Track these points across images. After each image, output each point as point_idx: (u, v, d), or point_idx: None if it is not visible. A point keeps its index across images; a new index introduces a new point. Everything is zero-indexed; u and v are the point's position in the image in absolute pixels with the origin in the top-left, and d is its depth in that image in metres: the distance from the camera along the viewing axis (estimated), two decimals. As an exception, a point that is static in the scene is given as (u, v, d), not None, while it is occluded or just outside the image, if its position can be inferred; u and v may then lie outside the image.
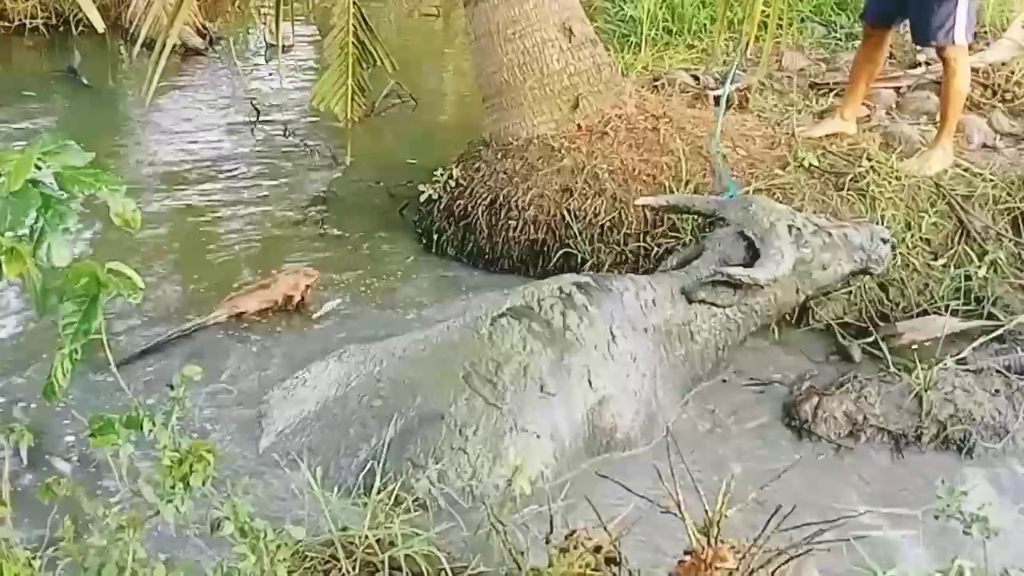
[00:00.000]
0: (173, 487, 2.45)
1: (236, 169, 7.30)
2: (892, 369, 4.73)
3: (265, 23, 10.40)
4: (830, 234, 4.77)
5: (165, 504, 2.44)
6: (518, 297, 4.39)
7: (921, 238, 5.50)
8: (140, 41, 6.31)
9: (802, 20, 7.78)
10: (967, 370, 4.67)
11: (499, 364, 4.04)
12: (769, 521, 2.83)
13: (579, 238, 5.67)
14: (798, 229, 4.67)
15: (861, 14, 6.38)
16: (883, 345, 4.92)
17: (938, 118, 5.97)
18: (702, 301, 4.57)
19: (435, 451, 3.76)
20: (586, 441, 4.11)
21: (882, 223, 5.42)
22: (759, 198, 4.96)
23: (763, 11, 5.98)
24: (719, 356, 4.70)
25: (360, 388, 4.06)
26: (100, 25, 4.27)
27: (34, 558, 2.41)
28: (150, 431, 2.43)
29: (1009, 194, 5.74)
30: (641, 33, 7.72)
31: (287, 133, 7.95)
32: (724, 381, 4.83)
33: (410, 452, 3.74)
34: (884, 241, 4.88)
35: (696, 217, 5.36)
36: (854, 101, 6.20)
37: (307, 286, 5.35)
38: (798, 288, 4.75)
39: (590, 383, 4.15)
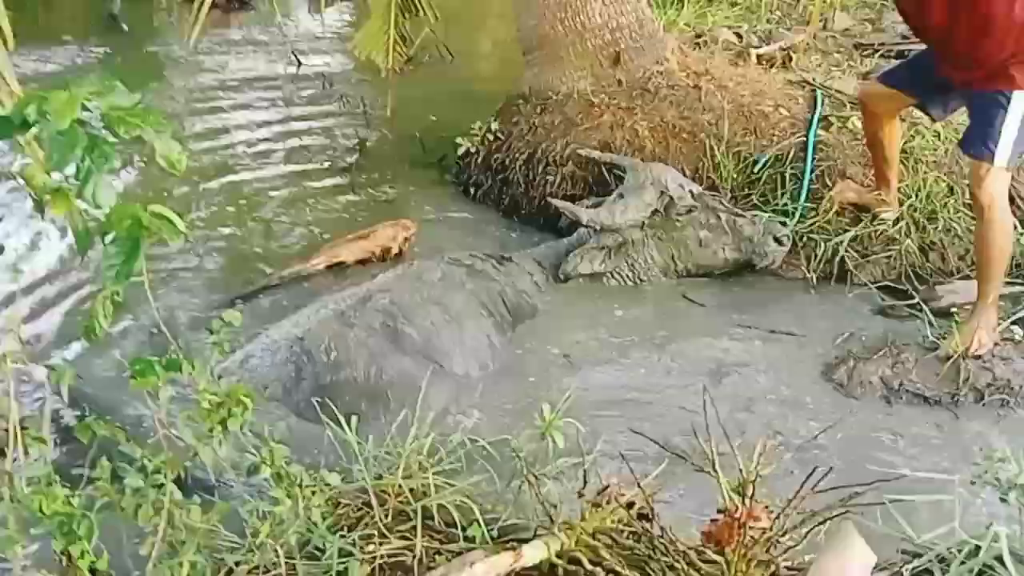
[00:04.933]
0: (211, 430, 2.46)
1: (275, 119, 7.31)
2: (929, 335, 4.68)
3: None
4: (718, 217, 5.18)
5: (203, 446, 2.46)
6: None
7: (964, 203, 5.41)
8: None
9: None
10: (1006, 338, 4.62)
11: None
12: (804, 482, 2.82)
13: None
14: (670, 197, 5.11)
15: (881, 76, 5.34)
16: (926, 308, 4.86)
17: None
18: (579, 275, 5.08)
19: None
20: None
21: (924, 186, 5.37)
22: (659, 165, 5.38)
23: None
24: None
25: None
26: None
27: (72, 496, 2.43)
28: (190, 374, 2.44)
29: (1055, 160, 5.64)
30: (685, -12, 7.63)
31: (327, 84, 7.93)
32: (773, 332, 4.84)
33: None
34: (777, 240, 5.16)
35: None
36: (887, 188, 5.29)
37: (405, 238, 5.39)
38: (673, 255, 5.22)
39: None
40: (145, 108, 2.08)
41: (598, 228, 5.08)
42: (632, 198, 5.15)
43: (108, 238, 2.22)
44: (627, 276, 5.19)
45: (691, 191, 5.24)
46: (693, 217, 5.18)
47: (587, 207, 5.22)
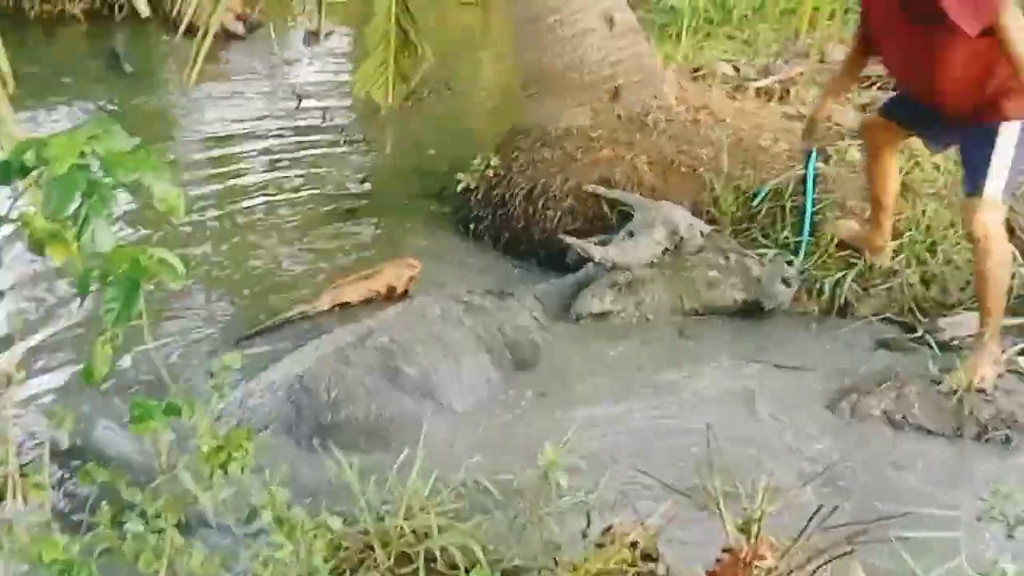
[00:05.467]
0: (211, 475, 2.44)
1: (276, 155, 7.32)
2: (932, 368, 4.66)
3: (304, 10, 10.41)
4: (727, 257, 5.20)
5: (203, 492, 2.44)
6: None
7: (965, 234, 5.41)
8: (183, 27, 6.33)
9: (845, 11, 7.67)
10: (1010, 371, 4.60)
11: None
12: (811, 520, 2.80)
13: (617, 230, 5.62)
14: (681, 237, 5.13)
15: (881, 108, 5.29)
16: (931, 340, 4.84)
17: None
18: (590, 314, 5.07)
19: None
20: None
21: (924, 218, 5.37)
22: (667, 204, 5.37)
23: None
24: None
25: None
26: (145, 11, 4.29)
27: (72, 543, 2.40)
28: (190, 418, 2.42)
29: (1056, 191, 5.65)
30: (682, 23, 7.65)
31: (326, 119, 7.95)
32: (776, 367, 4.82)
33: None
34: (785, 282, 5.15)
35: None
36: (880, 232, 5.22)
37: (410, 277, 5.39)
38: (681, 296, 5.19)
39: None
40: (143, 151, 2.08)
41: (609, 266, 5.07)
42: (643, 236, 5.16)
43: (107, 281, 2.21)
44: (634, 314, 5.17)
45: (700, 231, 5.25)
46: (703, 257, 5.18)
47: (595, 244, 5.22)
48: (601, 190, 5.74)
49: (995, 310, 4.50)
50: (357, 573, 2.83)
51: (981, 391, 4.42)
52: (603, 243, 5.25)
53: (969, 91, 4.35)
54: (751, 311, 5.24)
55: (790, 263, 5.29)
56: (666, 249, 5.14)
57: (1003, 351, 4.65)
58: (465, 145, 6.93)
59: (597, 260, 5.08)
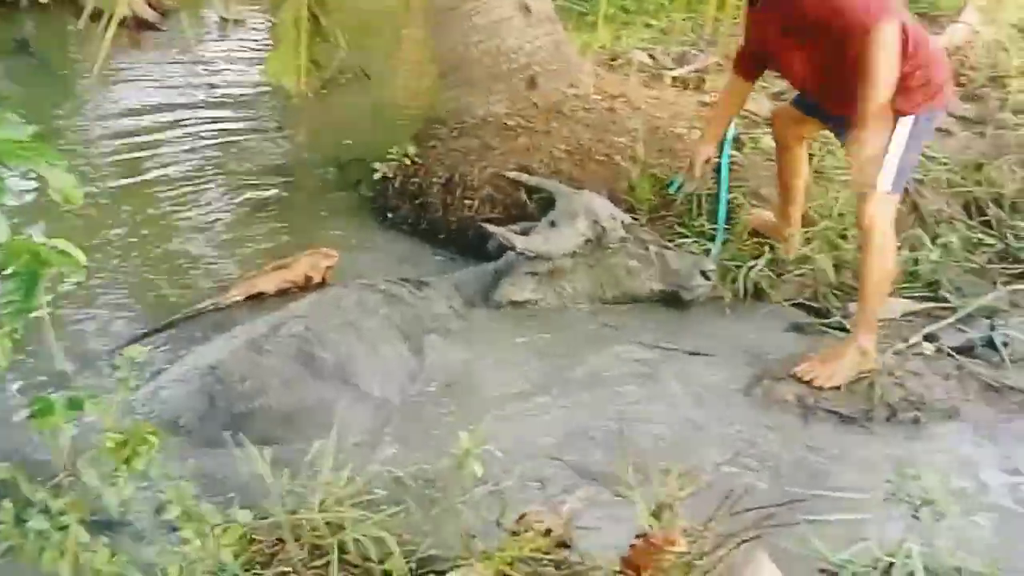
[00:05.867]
0: (116, 470, 2.40)
1: (188, 144, 7.18)
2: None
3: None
4: (647, 248, 5.21)
5: (108, 487, 2.40)
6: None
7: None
8: (87, 12, 6.16)
9: None
10: (917, 353, 4.70)
11: None
12: (721, 505, 2.83)
13: (535, 218, 5.63)
14: (602, 227, 5.13)
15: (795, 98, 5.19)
16: (844, 324, 4.92)
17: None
18: (511, 302, 5.09)
19: None
20: None
21: (837, 204, 5.46)
22: (589, 194, 5.37)
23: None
24: None
25: None
26: (46, -5, 4.17)
27: (-28, 542, 2.35)
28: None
29: (962, 177, 5.79)
30: (599, 11, 7.67)
31: (240, 107, 7.83)
32: (691, 353, 4.85)
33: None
34: (704, 275, 5.18)
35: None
36: (788, 224, 5.31)
37: (327, 267, 5.32)
38: (602, 284, 5.21)
39: None
40: (37, 140, 2.03)
41: (532, 256, 5.07)
42: (565, 226, 5.16)
43: (5, 273, 2.16)
44: (554, 303, 5.18)
45: (622, 221, 5.26)
46: (624, 247, 5.19)
47: (516, 233, 5.21)
48: (523, 177, 5.74)
49: (871, 300, 4.57)
50: (269, 567, 2.80)
51: (836, 388, 4.49)
52: (525, 232, 5.24)
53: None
54: (670, 301, 5.27)
55: (708, 252, 5.34)
56: (588, 239, 5.14)
57: (906, 340, 4.76)
58: (383, 134, 6.87)
59: (519, 250, 5.06)
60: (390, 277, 5.05)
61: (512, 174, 5.78)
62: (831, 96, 4.63)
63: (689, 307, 5.21)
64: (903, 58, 4.24)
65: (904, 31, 4.25)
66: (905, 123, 4.38)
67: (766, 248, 5.35)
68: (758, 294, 5.29)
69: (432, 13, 6.20)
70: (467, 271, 5.33)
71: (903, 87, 4.30)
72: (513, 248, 5.08)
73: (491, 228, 5.22)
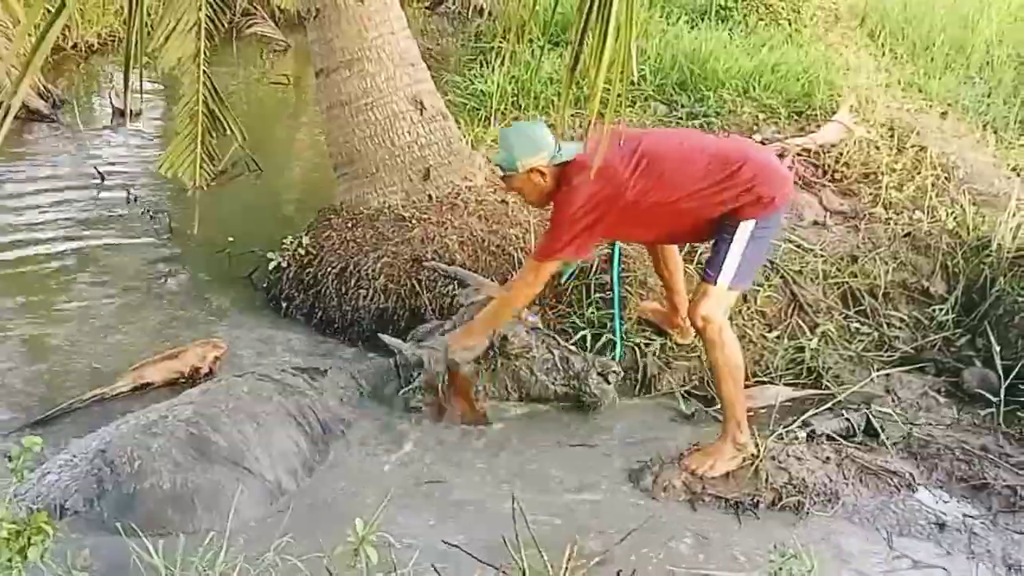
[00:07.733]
0: (10, 560, 2.36)
1: (80, 237, 7.09)
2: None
3: (112, 87, 10.20)
4: (552, 352, 5.16)
5: (-3, 580, 2.36)
6: None
7: (757, 310, 5.72)
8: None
9: (645, 99, 8.02)
10: (798, 439, 4.85)
11: None
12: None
13: (428, 308, 5.69)
14: (505, 336, 5.03)
15: None
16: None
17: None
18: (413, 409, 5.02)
19: None
20: None
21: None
22: (494, 286, 5.37)
23: (606, 88, 6.06)
24: None
25: None
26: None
27: None
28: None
29: (838, 269, 6.05)
30: (491, 107, 7.86)
31: (131, 200, 7.77)
32: (572, 446, 4.92)
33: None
34: (605, 379, 5.16)
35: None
36: (677, 310, 5.44)
37: (216, 357, 5.29)
38: (507, 386, 5.13)
39: None
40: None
41: (435, 371, 5.00)
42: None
43: None
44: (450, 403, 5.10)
45: (527, 327, 5.22)
46: (528, 353, 5.11)
47: (421, 330, 5.22)
48: (442, 266, 5.72)
49: (728, 393, 4.68)
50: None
51: (714, 479, 4.62)
52: (432, 331, 5.22)
53: (704, 228, 4.75)
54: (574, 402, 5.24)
55: (613, 350, 5.41)
56: (491, 345, 5.06)
57: (787, 426, 4.91)
58: (277, 225, 6.89)
59: (418, 365, 5.00)
60: (284, 367, 5.04)
61: (430, 264, 5.76)
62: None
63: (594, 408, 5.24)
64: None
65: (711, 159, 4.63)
66: (745, 228, 4.60)
67: (654, 337, 5.49)
68: (648, 383, 5.41)
69: (326, 107, 6.29)
70: (366, 364, 5.32)
71: (744, 204, 4.56)
72: (409, 364, 5.03)
73: (386, 339, 5.16)
